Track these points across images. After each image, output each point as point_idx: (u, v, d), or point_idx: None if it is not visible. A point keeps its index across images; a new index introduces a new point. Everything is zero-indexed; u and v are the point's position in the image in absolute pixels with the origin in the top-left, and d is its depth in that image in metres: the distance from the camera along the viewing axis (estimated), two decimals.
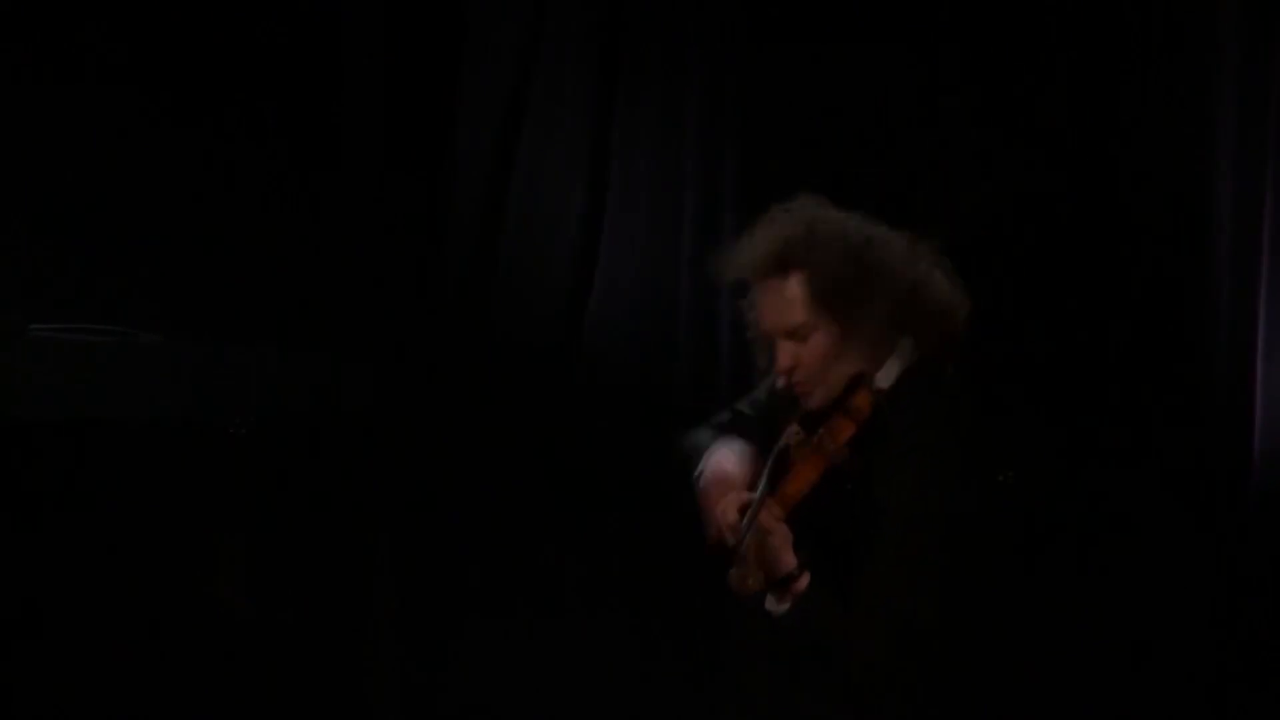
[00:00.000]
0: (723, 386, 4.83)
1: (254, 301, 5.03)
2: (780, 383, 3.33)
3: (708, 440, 3.60)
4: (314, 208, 5.19)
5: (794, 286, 3.26)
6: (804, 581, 3.18)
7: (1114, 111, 4.43)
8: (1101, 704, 4.35)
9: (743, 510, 3.21)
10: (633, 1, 5.05)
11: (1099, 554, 4.37)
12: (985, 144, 4.48)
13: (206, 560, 4.64)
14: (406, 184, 5.22)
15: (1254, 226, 4.23)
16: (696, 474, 3.55)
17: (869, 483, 3.19)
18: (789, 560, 3.18)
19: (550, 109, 5.12)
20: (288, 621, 4.83)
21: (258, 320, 4.95)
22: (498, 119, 5.17)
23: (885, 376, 3.25)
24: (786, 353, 3.27)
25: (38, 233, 4.95)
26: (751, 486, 3.29)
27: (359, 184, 5.23)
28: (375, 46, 5.28)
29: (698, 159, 4.95)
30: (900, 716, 3.20)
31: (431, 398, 5.10)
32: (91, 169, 5.02)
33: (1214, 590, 4.27)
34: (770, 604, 3.21)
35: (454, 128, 5.21)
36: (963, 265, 3.42)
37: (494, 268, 5.14)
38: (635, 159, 5.03)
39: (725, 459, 3.45)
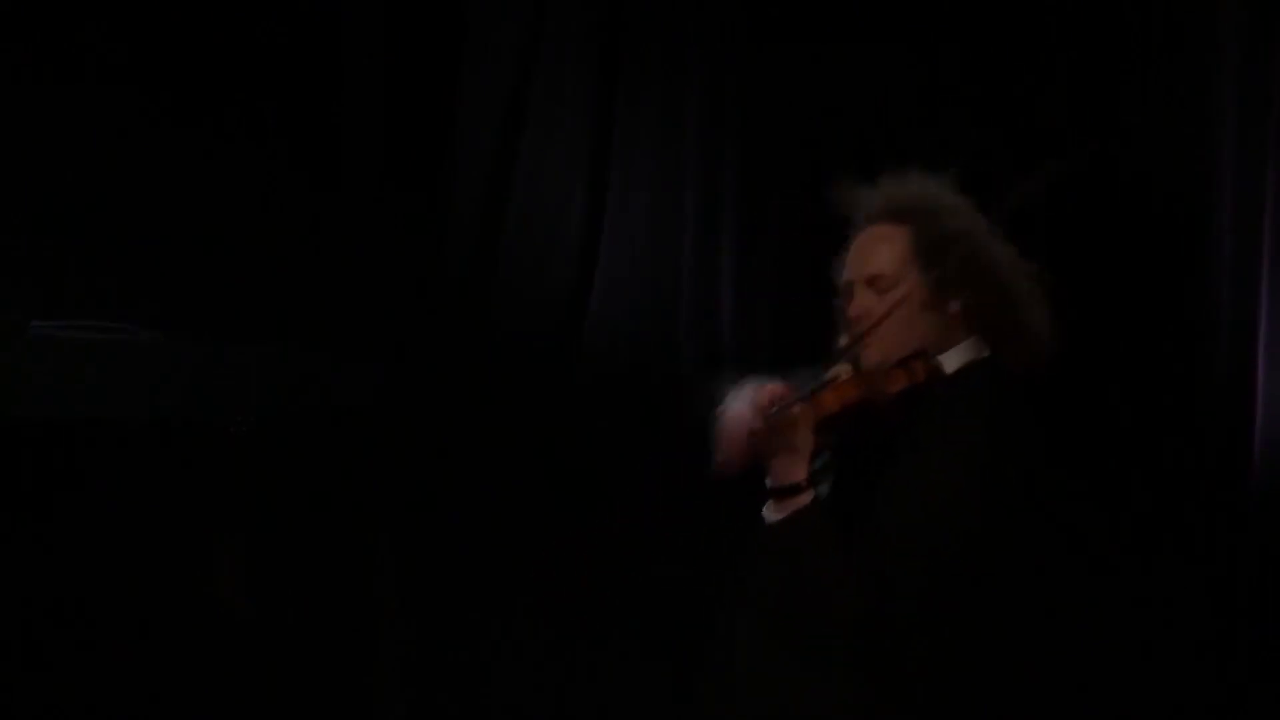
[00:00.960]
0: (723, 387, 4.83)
1: (254, 300, 5.03)
2: (843, 340, 3.31)
3: None
4: (314, 207, 5.19)
5: (898, 236, 3.27)
6: (805, 499, 3.15)
7: (1114, 111, 4.44)
8: (1101, 704, 4.35)
9: (774, 402, 3.20)
10: (633, 1, 5.05)
11: (1098, 554, 4.37)
12: (985, 144, 4.48)
13: (206, 560, 4.64)
14: (406, 183, 5.23)
15: (1255, 227, 4.23)
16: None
17: (897, 442, 3.17)
18: (799, 471, 3.16)
19: (550, 109, 5.12)
20: (288, 621, 4.83)
21: (258, 319, 4.95)
22: (498, 119, 5.17)
23: (950, 361, 3.25)
24: (860, 302, 3.26)
25: (38, 232, 4.95)
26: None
27: (359, 184, 5.23)
28: (375, 47, 5.28)
29: (698, 159, 4.95)
30: (883, 688, 3.19)
31: (431, 397, 5.10)
32: (91, 169, 5.02)
33: (1214, 590, 4.27)
34: (767, 510, 3.19)
35: (454, 128, 5.21)
36: None
37: (494, 268, 5.14)
38: (635, 159, 5.03)
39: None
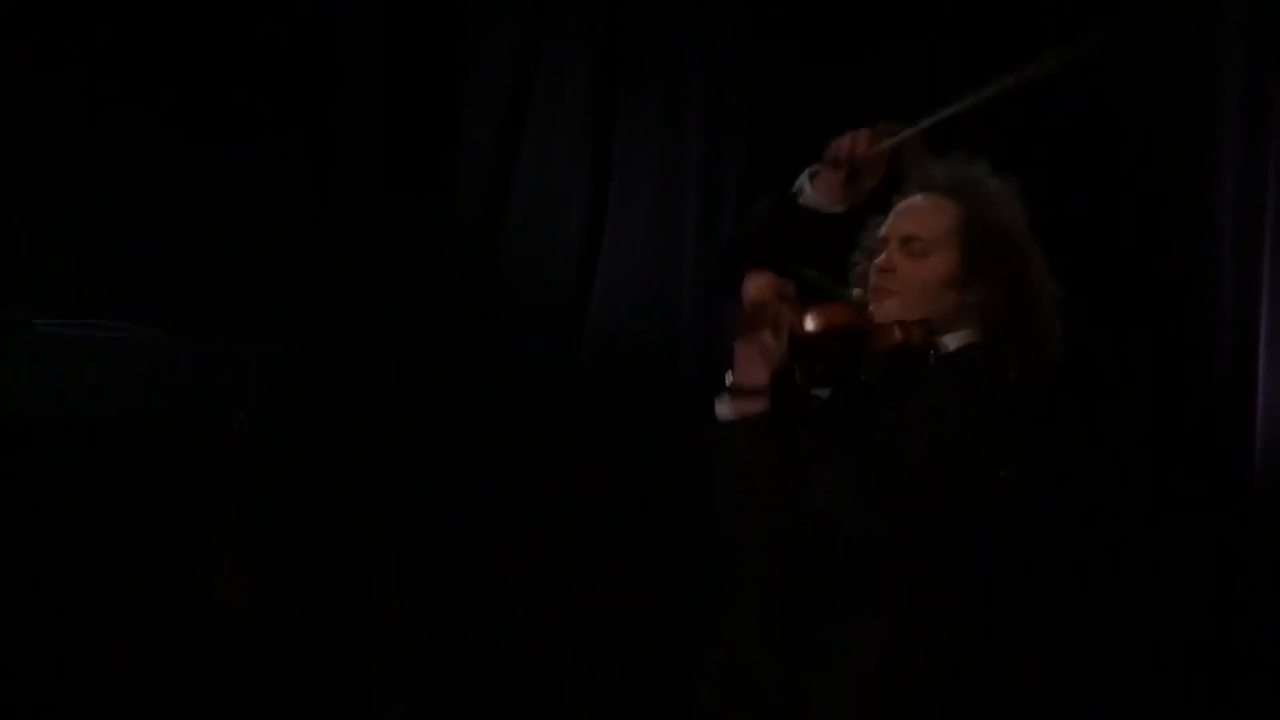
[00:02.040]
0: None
1: (255, 299, 5.03)
2: (857, 291, 3.32)
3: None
4: (314, 207, 5.20)
5: (947, 209, 3.27)
6: (757, 405, 3.16)
7: (1114, 111, 4.44)
8: (1102, 703, 4.36)
9: (768, 291, 3.20)
10: (633, 1, 5.05)
11: (1099, 553, 4.37)
12: (984, 142, 4.48)
13: (207, 558, 4.64)
14: (407, 182, 5.23)
15: (1256, 227, 4.23)
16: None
17: (876, 404, 3.17)
18: (760, 374, 3.16)
19: (550, 109, 5.12)
20: (288, 621, 4.83)
21: (258, 318, 4.96)
22: (498, 119, 5.18)
23: (950, 342, 3.25)
24: (890, 257, 3.27)
25: (39, 230, 4.96)
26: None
27: (359, 184, 5.24)
28: (375, 47, 5.29)
29: (698, 159, 4.96)
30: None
31: (432, 396, 5.10)
32: (91, 169, 5.03)
33: (1214, 590, 4.27)
34: (720, 403, 3.20)
35: (454, 127, 5.21)
36: None
37: (494, 268, 5.15)
38: (635, 159, 5.03)
39: None
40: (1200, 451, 4.31)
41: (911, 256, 3.25)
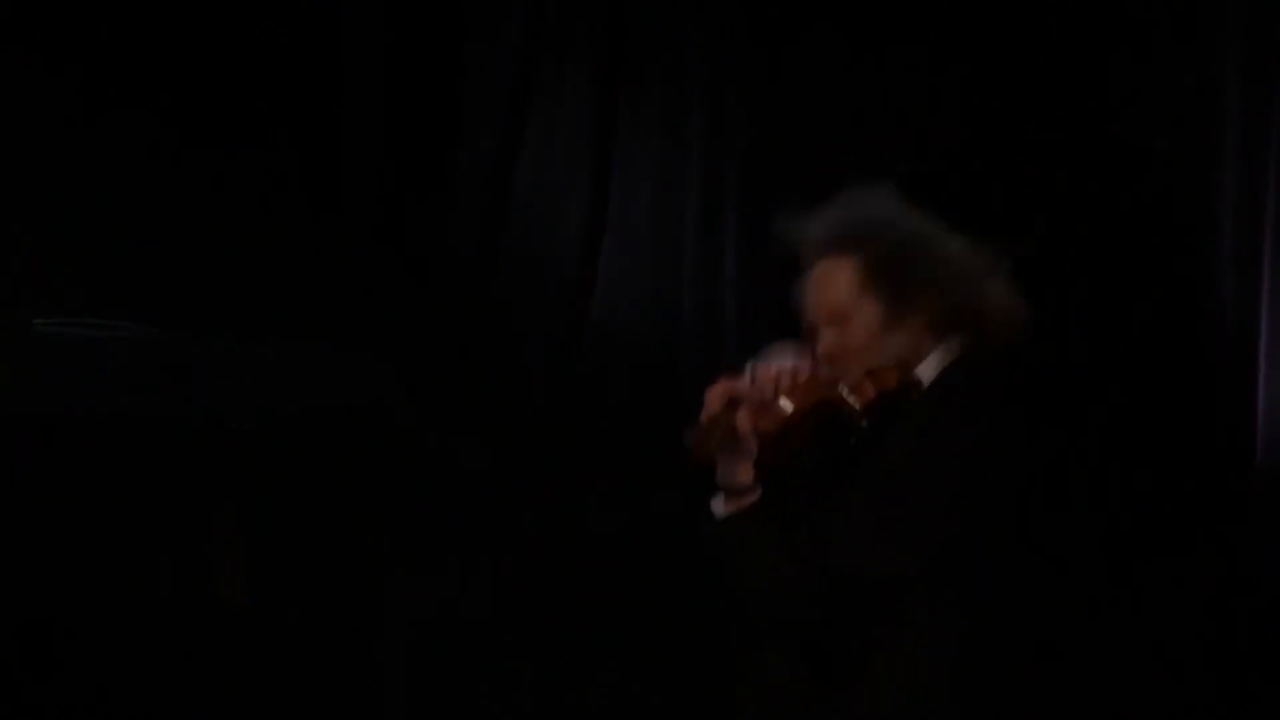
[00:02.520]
0: None
1: (255, 299, 5.03)
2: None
3: None
4: (315, 207, 5.20)
5: (844, 266, 3.25)
6: (750, 499, 3.16)
7: (1116, 111, 4.44)
8: (1101, 704, 4.36)
9: (729, 403, 3.20)
10: (633, 2, 5.05)
11: (1098, 554, 4.37)
12: (985, 144, 4.48)
13: (207, 558, 4.64)
14: (408, 182, 5.23)
15: (1256, 227, 4.23)
16: None
17: (870, 448, 3.17)
18: (744, 473, 3.17)
19: (550, 109, 5.13)
20: (288, 621, 4.83)
21: (259, 318, 4.96)
22: (498, 119, 5.18)
23: (926, 371, 3.24)
24: (825, 342, 3.27)
25: (39, 230, 4.96)
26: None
27: (360, 182, 5.24)
28: (375, 47, 5.29)
29: (699, 159, 4.96)
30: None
31: (433, 397, 5.10)
32: (92, 168, 5.03)
33: (1214, 590, 4.27)
34: (716, 503, 3.20)
35: (454, 127, 5.21)
36: None
37: (496, 267, 5.15)
38: (636, 159, 5.04)
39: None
40: (1200, 451, 4.31)
41: (841, 327, 3.24)
